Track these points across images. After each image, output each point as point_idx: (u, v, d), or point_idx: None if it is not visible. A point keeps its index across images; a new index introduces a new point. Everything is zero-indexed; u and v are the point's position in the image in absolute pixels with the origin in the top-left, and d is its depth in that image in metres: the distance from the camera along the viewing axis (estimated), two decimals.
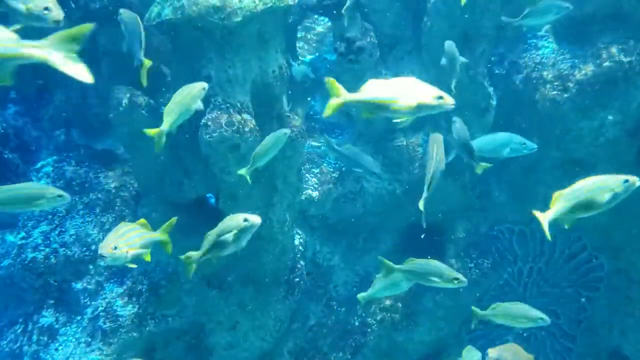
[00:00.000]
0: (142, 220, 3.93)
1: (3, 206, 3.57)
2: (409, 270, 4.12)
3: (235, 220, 3.72)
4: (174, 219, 4.02)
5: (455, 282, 4.01)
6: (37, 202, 3.57)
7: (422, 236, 5.79)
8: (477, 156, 4.48)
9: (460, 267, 5.73)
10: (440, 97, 3.33)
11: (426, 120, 5.60)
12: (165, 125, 3.88)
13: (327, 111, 3.42)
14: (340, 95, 3.35)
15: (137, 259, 3.77)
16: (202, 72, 4.54)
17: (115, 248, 3.59)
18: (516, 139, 4.89)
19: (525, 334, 6.09)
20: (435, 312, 5.75)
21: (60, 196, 3.62)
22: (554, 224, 3.92)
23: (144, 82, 4.18)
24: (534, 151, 4.92)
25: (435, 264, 4.12)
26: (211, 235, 3.69)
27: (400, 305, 5.67)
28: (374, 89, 3.31)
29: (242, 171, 4.36)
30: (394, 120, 3.45)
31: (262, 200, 5.00)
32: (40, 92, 6.18)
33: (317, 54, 6.63)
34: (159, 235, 3.97)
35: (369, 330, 5.65)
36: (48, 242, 5.51)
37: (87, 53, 6.41)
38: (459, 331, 6.05)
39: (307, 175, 5.67)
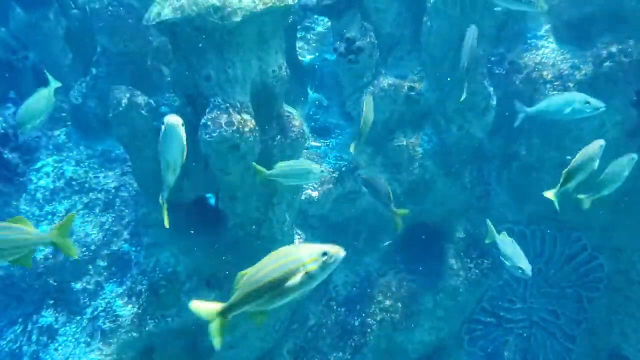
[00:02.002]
0: (19, 217, 3.23)
1: (284, 179, 4.40)
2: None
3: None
4: (72, 215, 3.42)
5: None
6: (308, 175, 4.35)
7: (422, 237, 5.82)
8: None
9: (460, 267, 5.73)
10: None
11: (426, 120, 5.61)
12: None
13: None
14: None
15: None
16: (201, 72, 4.53)
17: None
18: (579, 97, 4.52)
19: (525, 334, 6.09)
20: (435, 312, 5.75)
21: (322, 171, 4.37)
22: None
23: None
24: (599, 112, 4.53)
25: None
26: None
27: (400, 305, 5.66)
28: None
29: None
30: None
31: (262, 200, 5.00)
32: None
33: (317, 54, 6.63)
34: (47, 237, 3.16)
35: (369, 330, 5.65)
36: None
37: (87, 53, 6.41)
38: (459, 331, 6.05)
39: None
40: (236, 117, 4.51)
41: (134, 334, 5.06)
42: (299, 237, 5.63)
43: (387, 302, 5.67)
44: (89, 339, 5.16)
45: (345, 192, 5.71)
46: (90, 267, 5.44)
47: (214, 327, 2.53)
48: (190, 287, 5.12)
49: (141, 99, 4.90)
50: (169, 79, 5.44)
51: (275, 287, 2.46)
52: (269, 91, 4.91)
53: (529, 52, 5.62)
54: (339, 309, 5.78)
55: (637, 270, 5.71)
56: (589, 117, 5.18)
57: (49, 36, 6.07)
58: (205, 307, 2.53)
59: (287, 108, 5.10)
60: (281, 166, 4.39)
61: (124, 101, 4.85)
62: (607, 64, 5.10)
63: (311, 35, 6.75)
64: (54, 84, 5.15)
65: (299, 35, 6.51)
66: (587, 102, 4.53)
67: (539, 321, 6.08)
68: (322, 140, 5.86)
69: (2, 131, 5.78)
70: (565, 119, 4.69)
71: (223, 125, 4.44)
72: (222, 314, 2.51)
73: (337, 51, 5.50)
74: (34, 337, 5.32)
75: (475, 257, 5.81)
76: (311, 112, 6.18)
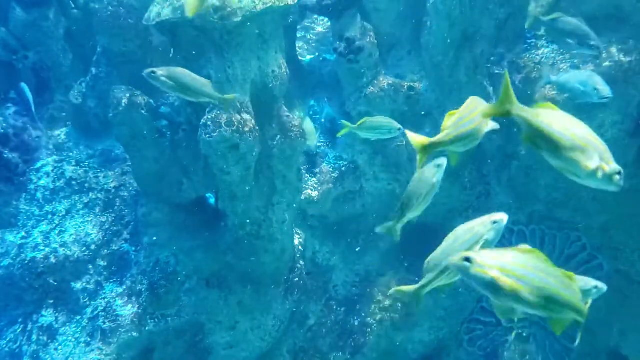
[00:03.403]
0: None
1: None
2: None
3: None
4: None
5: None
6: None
7: (422, 236, 5.81)
8: None
9: None
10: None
11: (426, 120, 5.61)
12: None
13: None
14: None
15: None
16: (201, 72, 4.53)
17: None
18: (592, 82, 4.35)
19: (524, 334, 6.09)
20: (435, 312, 5.75)
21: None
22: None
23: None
24: (604, 101, 4.35)
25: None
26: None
27: (400, 305, 5.66)
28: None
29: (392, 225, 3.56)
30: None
31: (262, 200, 5.00)
32: (40, 92, 6.19)
33: (317, 54, 6.63)
34: None
35: (369, 330, 5.65)
36: (48, 242, 5.51)
37: (87, 53, 6.41)
38: (458, 331, 6.05)
39: (307, 175, 5.67)
40: (236, 117, 4.51)
41: (134, 334, 5.06)
42: (298, 236, 5.63)
43: (387, 302, 5.67)
44: (89, 339, 5.16)
45: (345, 192, 5.71)
46: (90, 267, 5.44)
47: (419, 152, 2.89)
48: (190, 287, 5.12)
49: (141, 99, 4.91)
50: None
51: (476, 133, 2.82)
52: (268, 91, 4.92)
53: (529, 52, 5.61)
54: (338, 309, 5.78)
55: (636, 270, 5.70)
56: (589, 118, 5.20)
57: (49, 36, 6.07)
58: (416, 135, 2.89)
59: (287, 109, 5.11)
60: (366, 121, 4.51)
61: (124, 101, 4.86)
62: (606, 63, 5.09)
63: (311, 35, 6.75)
64: None
65: (299, 35, 6.51)
66: (596, 89, 4.39)
67: (539, 321, 6.08)
68: (322, 141, 5.86)
69: (2, 131, 5.78)
70: (577, 98, 4.61)
71: (223, 125, 4.45)
72: (427, 147, 2.87)
73: (337, 51, 5.50)
74: (34, 337, 5.32)
75: None
76: (311, 113, 6.18)
